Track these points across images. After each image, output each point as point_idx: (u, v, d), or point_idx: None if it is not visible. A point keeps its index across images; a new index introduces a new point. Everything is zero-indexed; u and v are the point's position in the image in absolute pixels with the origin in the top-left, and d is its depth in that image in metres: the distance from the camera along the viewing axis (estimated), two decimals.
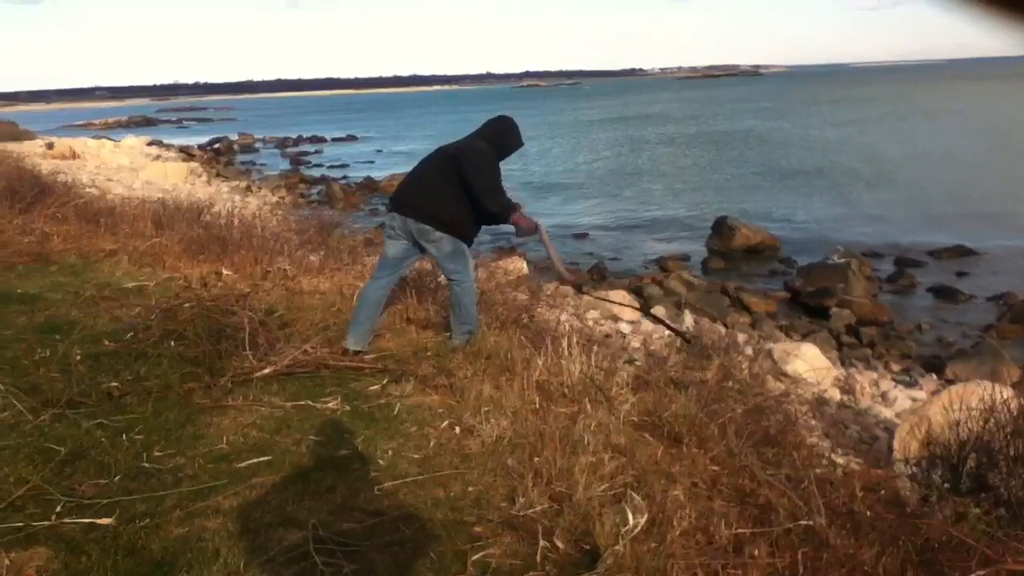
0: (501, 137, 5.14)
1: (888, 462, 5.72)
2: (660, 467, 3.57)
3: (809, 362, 10.32)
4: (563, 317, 9.09)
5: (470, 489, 3.38)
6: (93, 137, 45.95)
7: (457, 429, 3.97)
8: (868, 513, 3.24)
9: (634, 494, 3.12)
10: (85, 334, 5.14)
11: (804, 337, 12.96)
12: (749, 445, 3.86)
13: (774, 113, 70.89)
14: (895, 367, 11.93)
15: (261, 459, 3.56)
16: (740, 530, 3.03)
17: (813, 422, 6.93)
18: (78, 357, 4.64)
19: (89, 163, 28.74)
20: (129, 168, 28.95)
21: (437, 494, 3.33)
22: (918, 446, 5.07)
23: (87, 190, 11.84)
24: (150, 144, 42.68)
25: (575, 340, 5.09)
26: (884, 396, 10.21)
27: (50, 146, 30.62)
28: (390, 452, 3.71)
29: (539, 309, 7.85)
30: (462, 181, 4.90)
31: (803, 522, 3.05)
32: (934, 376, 11.35)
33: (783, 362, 10.37)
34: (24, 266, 6.96)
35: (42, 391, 4.08)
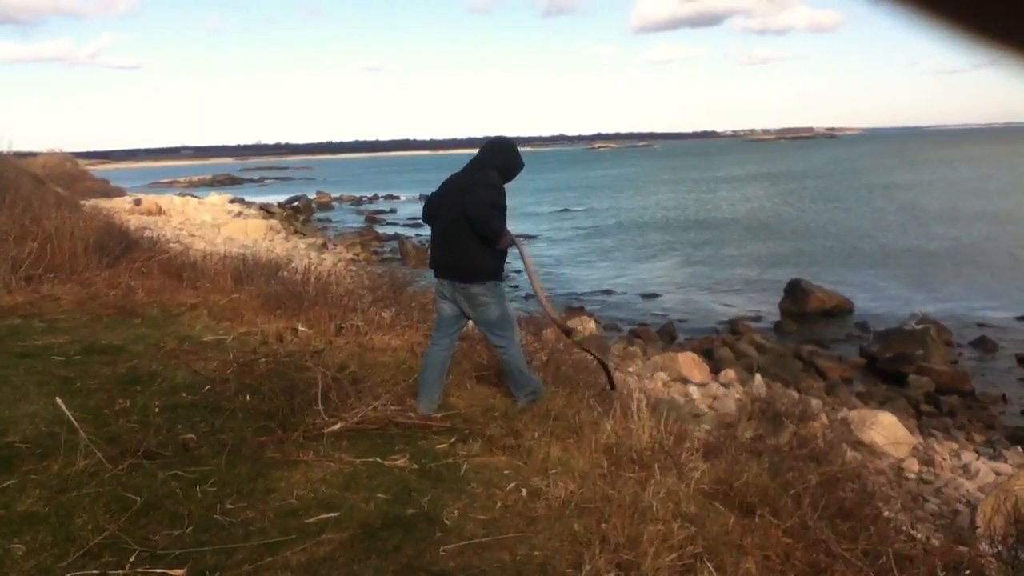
0: (508, 163, 5.09)
1: (971, 539, 5.48)
2: (731, 538, 3.48)
3: (886, 431, 10.02)
4: (632, 379, 9.02)
5: (536, 554, 3.34)
6: (178, 194, 47.66)
7: (524, 491, 3.94)
8: None
9: (708, 564, 3.05)
10: (164, 386, 5.28)
11: (881, 405, 12.60)
12: (824, 517, 3.75)
13: (849, 174, 69.96)
14: (977, 438, 11.49)
15: (329, 515, 3.59)
16: None
17: (891, 494, 6.70)
18: (157, 408, 4.77)
19: (174, 219, 29.75)
20: (211, 224, 29.89)
21: (502, 557, 3.30)
22: (1003, 522, 4.85)
23: (171, 245, 12.24)
24: (232, 201, 44.01)
25: (644, 403, 5.04)
26: (966, 468, 9.82)
27: (138, 202, 31.84)
28: (456, 512, 3.70)
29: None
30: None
31: None
32: (1020, 449, 10.90)
33: (859, 430, 10.09)
34: (109, 318, 7.19)
35: (121, 441, 4.19)
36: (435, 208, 5.14)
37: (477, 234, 4.85)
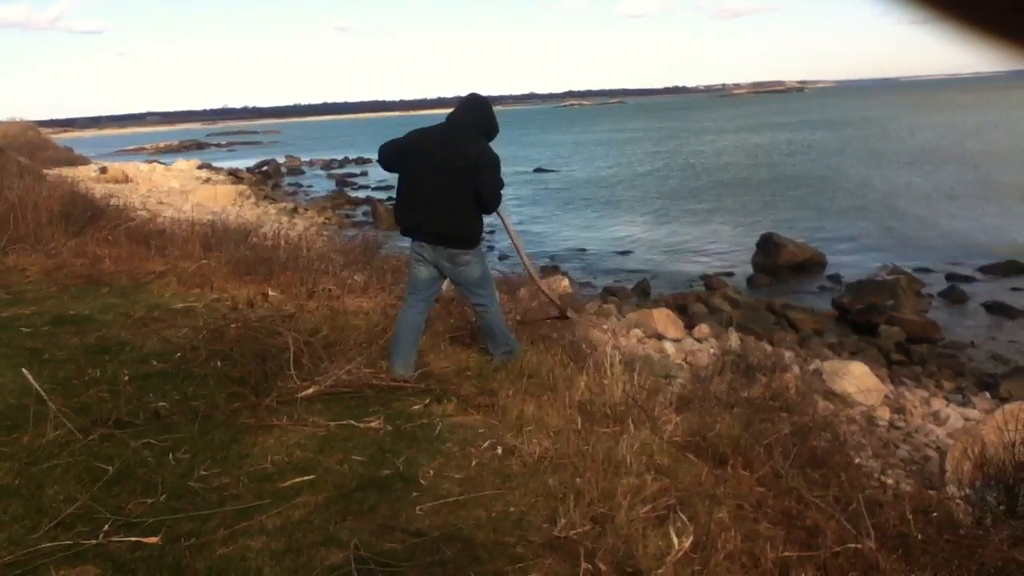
0: (491, 126, 5.04)
1: (940, 483, 5.59)
2: (704, 488, 3.52)
3: (858, 381, 10.15)
4: (606, 335, 9.06)
5: (511, 510, 3.37)
6: (145, 161, 47.05)
7: (499, 449, 3.96)
8: (920, 536, 3.16)
9: (681, 515, 3.08)
10: (134, 355, 5.23)
11: (853, 355, 12.73)
12: (796, 466, 3.80)
13: (819, 127, 70.14)
14: (947, 385, 11.67)
15: (304, 478, 3.59)
16: (787, 553, 2.97)
17: (862, 442, 6.80)
18: (127, 377, 4.73)
19: (141, 187, 29.34)
20: (180, 191, 29.52)
21: (479, 514, 3.32)
22: (971, 467, 4.94)
23: (138, 213, 12.07)
24: (200, 167, 43.48)
25: (617, 359, 5.06)
26: (936, 415, 9.99)
27: (103, 170, 31.35)
28: (432, 472, 3.71)
29: (581, 327, 7.82)
30: (475, 189, 4.80)
31: (852, 545, 2.99)
32: (987, 395, 11.08)
33: (831, 381, 10.21)
34: (77, 288, 7.10)
35: (92, 411, 4.16)
36: (407, 161, 4.99)
37: (472, 204, 4.83)
